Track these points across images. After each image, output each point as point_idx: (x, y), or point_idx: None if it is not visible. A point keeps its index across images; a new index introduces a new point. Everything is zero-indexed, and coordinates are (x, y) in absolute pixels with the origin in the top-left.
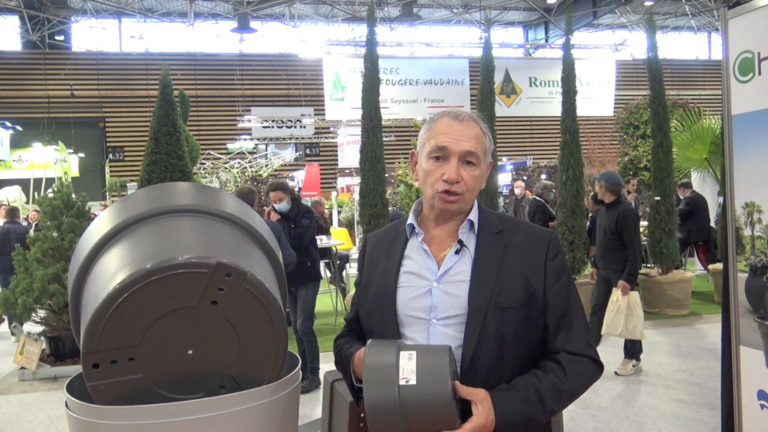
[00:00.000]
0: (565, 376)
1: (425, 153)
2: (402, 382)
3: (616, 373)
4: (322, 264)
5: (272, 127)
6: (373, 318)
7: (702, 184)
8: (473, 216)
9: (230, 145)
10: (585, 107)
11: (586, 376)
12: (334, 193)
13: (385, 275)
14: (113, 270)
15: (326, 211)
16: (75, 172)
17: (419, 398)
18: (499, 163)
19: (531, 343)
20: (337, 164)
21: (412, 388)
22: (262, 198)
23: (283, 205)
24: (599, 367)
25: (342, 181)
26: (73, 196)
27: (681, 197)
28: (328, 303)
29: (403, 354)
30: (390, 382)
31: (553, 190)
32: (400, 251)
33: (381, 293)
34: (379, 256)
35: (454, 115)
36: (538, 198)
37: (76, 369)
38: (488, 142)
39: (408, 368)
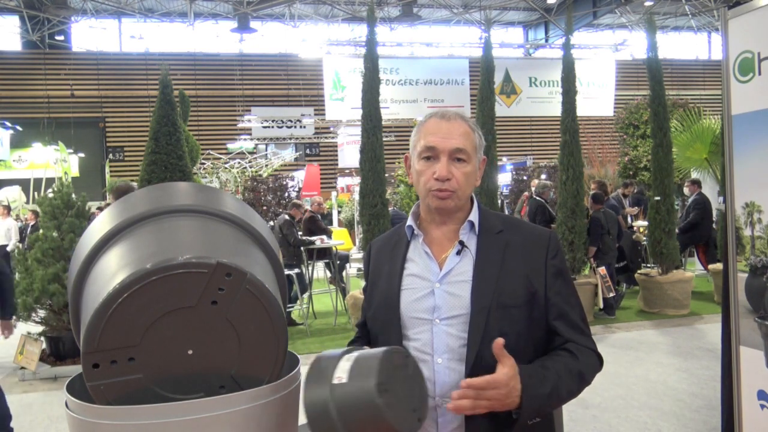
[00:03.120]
0: (577, 360)
1: (416, 154)
2: (335, 381)
3: None
4: (321, 264)
5: (272, 127)
6: (378, 321)
7: (702, 184)
8: (473, 217)
9: (230, 145)
10: (585, 107)
11: (592, 364)
12: (334, 193)
13: (389, 279)
14: (113, 270)
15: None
16: (75, 172)
17: (347, 397)
18: (499, 163)
19: (535, 343)
20: (337, 164)
21: (342, 386)
22: (262, 198)
23: None
24: (600, 360)
25: (342, 181)
26: (73, 196)
27: (688, 194)
28: (328, 303)
29: (345, 357)
30: (324, 382)
31: (553, 190)
32: (403, 254)
33: (385, 297)
34: (383, 261)
35: (441, 114)
36: (537, 198)
37: (76, 369)
38: (477, 138)
39: (343, 368)
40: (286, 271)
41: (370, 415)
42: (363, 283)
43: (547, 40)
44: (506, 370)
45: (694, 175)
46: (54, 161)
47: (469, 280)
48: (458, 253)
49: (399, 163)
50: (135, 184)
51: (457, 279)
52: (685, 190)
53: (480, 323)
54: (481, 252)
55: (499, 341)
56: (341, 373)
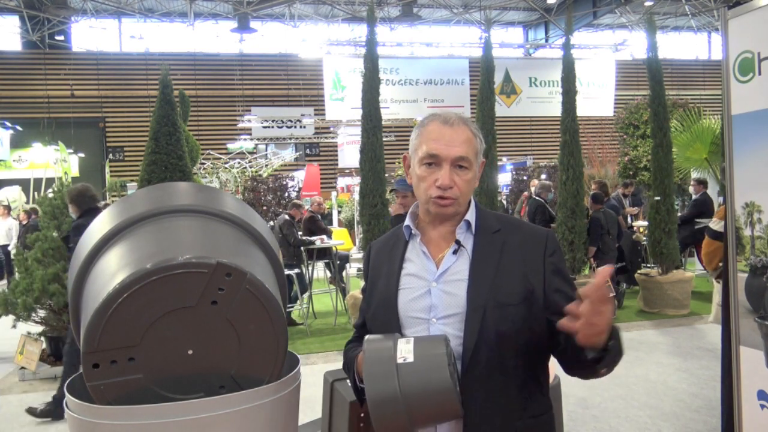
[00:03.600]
0: None
1: (417, 159)
2: (400, 361)
3: None
4: (321, 264)
5: (272, 127)
6: (376, 321)
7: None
8: (470, 216)
9: (230, 145)
10: (585, 107)
11: None
12: (334, 193)
13: (387, 279)
14: (113, 270)
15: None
16: (75, 172)
17: (417, 374)
18: (499, 163)
19: (534, 341)
20: (337, 164)
21: (410, 365)
22: (262, 198)
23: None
24: None
25: (342, 181)
26: None
27: (693, 194)
28: (328, 303)
29: (401, 340)
30: (388, 360)
31: (552, 190)
32: (401, 255)
33: (383, 297)
34: (382, 262)
35: (444, 119)
36: (537, 198)
37: None
38: (479, 143)
39: (405, 349)
40: (286, 271)
41: (439, 391)
42: (363, 283)
43: (547, 40)
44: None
45: (694, 175)
46: (54, 161)
47: (465, 279)
48: (455, 252)
49: (399, 163)
50: (135, 184)
51: (454, 278)
52: (691, 190)
53: (476, 322)
54: (477, 251)
55: (607, 269)
56: (405, 354)
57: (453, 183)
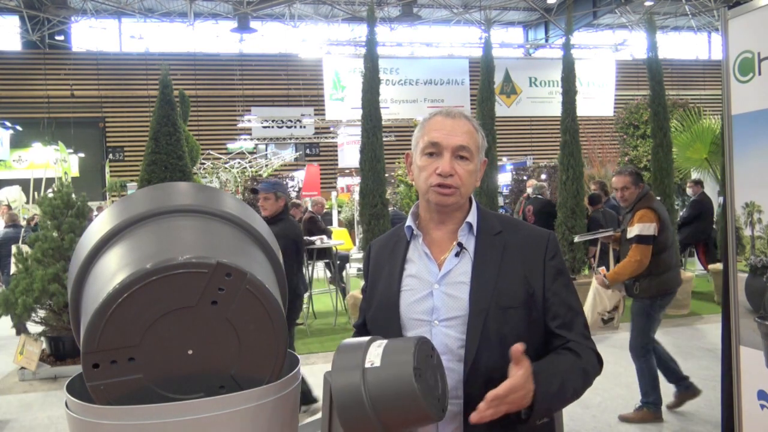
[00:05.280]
0: (580, 359)
1: (419, 150)
2: (367, 365)
3: None
4: (321, 264)
5: (272, 127)
6: (378, 323)
7: (703, 184)
8: (472, 218)
9: (230, 145)
10: (585, 107)
11: (594, 364)
12: (334, 193)
13: (389, 280)
14: (113, 270)
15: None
16: (75, 172)
17: (382, 379)
18: (499, 163)
19: (534, 344)
20: (337, 164)
21: (375, 370)
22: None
23: None
24: (600, 361)
25: (342, 181)
26: (73, 196)
27: (691, 195)
28: (328, 303)
29: (374, 343)
30: (355, 366)
31: (548, 189)
32: (402, 255)
33: (384, 298)
34: (383, 262)
35: (446, 112)
36: (540, 196)
37: (76, 369)
38: (480, 138)
39: (375, 353)
40: None
41: (405, 398)
42: (363, 283)
43: (547, 40)
44: (522, 371)
45: (694, 175)
46: (54, 161)
47: (467, 282)
48: (457, 254)
49: (399, 163)
50: (135, 184)
51: (456, 280)
52: (689, 191)
53: (478, 325)
54: (479, 254)
55: (519, 347)
56: (373, 358)
57: (454, 171)
